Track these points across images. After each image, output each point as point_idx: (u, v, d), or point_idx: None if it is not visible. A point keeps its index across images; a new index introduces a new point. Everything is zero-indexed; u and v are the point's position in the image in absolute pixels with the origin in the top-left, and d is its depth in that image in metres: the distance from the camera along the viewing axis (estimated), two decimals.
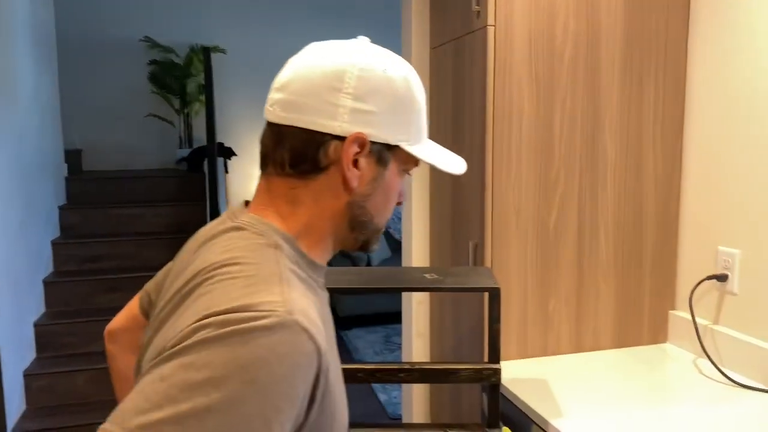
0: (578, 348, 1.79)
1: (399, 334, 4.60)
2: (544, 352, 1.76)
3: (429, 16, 2.14)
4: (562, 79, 1.69)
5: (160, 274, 0.95)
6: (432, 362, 1.38)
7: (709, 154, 1.71)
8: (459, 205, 1.90)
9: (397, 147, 0.76)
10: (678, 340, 1.80)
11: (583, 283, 1.76)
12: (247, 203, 0.81)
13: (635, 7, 1.72)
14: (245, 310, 0.59)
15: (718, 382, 1.56)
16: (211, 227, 0.79)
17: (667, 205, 1.81)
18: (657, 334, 1.84)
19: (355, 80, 0.72)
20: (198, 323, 0.59)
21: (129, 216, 3.99)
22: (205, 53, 4.05)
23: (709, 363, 1.64)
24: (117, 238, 3.81)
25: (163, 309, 0.71)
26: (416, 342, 2.30)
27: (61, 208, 3.89)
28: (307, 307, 0.64)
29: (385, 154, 0.76)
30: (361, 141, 0.73)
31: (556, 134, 1.69)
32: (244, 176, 5.36)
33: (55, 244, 3.69)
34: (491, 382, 1.33)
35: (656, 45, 1.75)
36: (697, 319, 1.70)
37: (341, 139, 0.72)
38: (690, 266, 1.79)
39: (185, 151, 4.84)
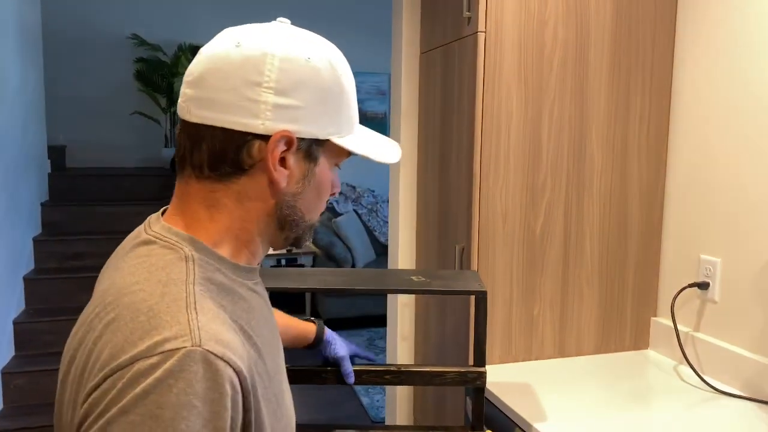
0: (562, 353, 1.80)
1: (382, 337, 4.61)
2: (528, 356, 1.77)
3: (419, 22, 2.16)
4: (551, 86, 1.71)
5: None
6: (418, 365, 1.39)
7: (693, 163, 1.74)
8: (446, 208, 1.92)
9: (327, 141, 0.71)
10: (659, 347, 1.83)
11: (567, 288, 1.78)
12: (165, 211, 0.75)
13: (623, 17, 1.74)
14: (151, 355, 0.56)
15: (698, 388, 1.58)
16: (127, 240, 0.75)
17: (651, 213, 1.83)
18: (639, 340, 1.87)
19: (276, 72, 0.66)
20: (107, 381, 0.56)
21: (112, 214, 3.95)
22: (193, 52, 4.03)
23: (690, 370, 1.66)
24: (99, 236, 3.77)
25: (78, 330, 0.66)
26: (401, 345, 2.30)
27: (43, 204, 3.84)
28: (219, 330, 0.60)
29: (315, 149, 0.71)
30: (288, 139, 0.67)
31: (544, 140, 1.71)
32: None
33: (36, 241, 3.64)
34: (476, 385, 1.34)
35: (643, 54, 1.78)
36: (679, 326, 1.73)
37: (265, 138, 0.66)
38: (672, 274, 1.81)
39: (169, 152, 4.81)
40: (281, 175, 0.69)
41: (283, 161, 0.69)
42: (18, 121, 3.45)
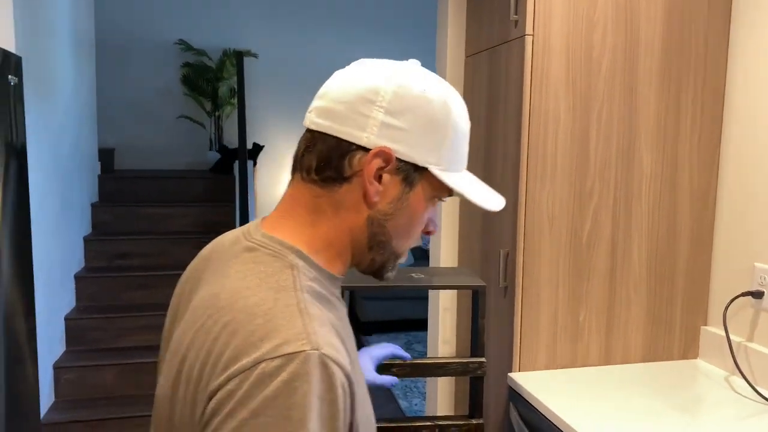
0: (607, 360, 1.77)
1: (421, 341, 4.60)
2: (574, 363, 1.75)
3: (465, 24, 2.16)
4: (599, 90, 1.69)
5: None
6: (423, 357, 1.43)
7: (747, 168, 1.69)
8: (490, 213, 1.91)
9: (426, 170, 0.73)
10: (710, 357, 1.78)
11: (614, 295, 1.76)
12: (263, 220, 0.79)
13: (675, 20, 1.71)
14: (274, 357, 0.59)
15: (751, 400, 1.54)
16: (223, 246, 0.78)
17: (702, 219, 1.79)
18: (688, 349, 1.82)
19: (390, 95, 0.70)
20: (231, 382, 0.59)
21: (158, 215, 4.06)
22: (237, 57, 4.12)
23: (742, 381, 1.61)
24: (145, 237, 3.87)
25: (186, 331, 0.69)
26: (442, 349, 2.30)
27: (93, 205, 3.97)
28: (328, 335, 0.64)
29: (413, 175, 0.73)
30: (385, 155, 0.70)
31: (591, 145, 1.69)
32: (273, 180, 5.42)
33: (86, 240, 3.77)
34: (477, 375, 1.40)
35: (695, 57, 1.74)
36: (731, 336, 1.68)
37: (367, 150, 0.70)
38: (724, 282, 1.77)
39: (214, 155, 4.91)
40: (374, 189, 0.71)
41: (379, 178, 0.72)
42: (72, 124, 3.58)
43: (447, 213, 2.24)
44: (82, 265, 3.74)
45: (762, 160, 1.64)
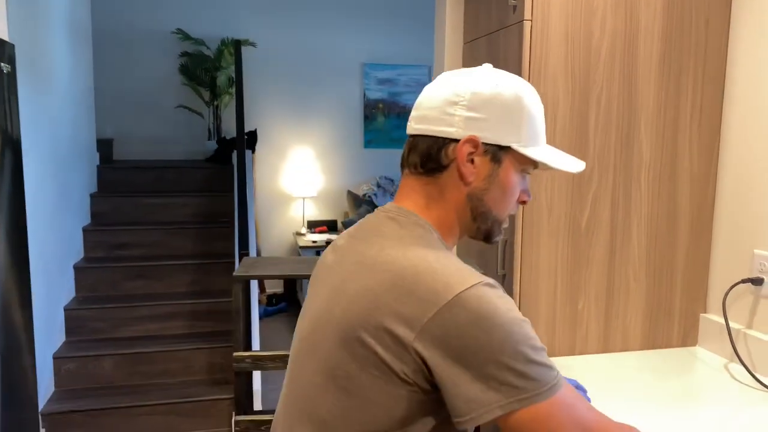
0: (606, 348, 1.77)
1: None
2: (572, 351, 1.75)
3: (463, 10, 2.14)
4: (599, 75, 1.67)
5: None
6: None
7: (748, 154, 1.67)
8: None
9: (510, 148, 0.90)
10: (709, 344, 1.77)
11: (613, 282, 1.75)
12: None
13: (675, 4, 1.69)
14: (469, 287, 0.77)
15: (750, 387, 1.53)
16: (366, 224, 0.94)
17: (701, 206, 1.78)
18: (687, 336, 1.82)
19: (469, 95, 0.89)
20: (439, 318, 0.75)
21: (157, 205, 4.05)
22: (236, 46, 4.09)
23: (742, 368, 1.61)
24: (145, 227, 3.87)
25: (337, 290, 0.85)
26: None
27: (92, 195, 3.96)
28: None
29: (499, 154, 0.90)
30: (473, 142, 0.88)
31: (591, 131, 1.68)
32: (272, 169, 5.41)
33: (85, 230, 3.76)
34: None
35: (696, 43, 1.72)
36: (730, 323, 1.67)
37: (457, 141, 0.88)
38: (723, 269, 1.76)
39: (213, 144, 4.89)
40: (469, 171, 0.89)
41: (471, 161, 0.89)
42: (69, 115, 3.56)
43: None
44: (81, 255, 3.73)
45: (763, 147, 1.63)
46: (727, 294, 1.64)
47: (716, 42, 1.74)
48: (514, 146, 0.90)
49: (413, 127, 0.93)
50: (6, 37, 2.23)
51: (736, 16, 1.72)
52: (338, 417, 0.81)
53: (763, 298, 1.62)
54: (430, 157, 0.90)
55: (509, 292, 1.72)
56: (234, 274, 1.36)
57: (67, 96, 3.53)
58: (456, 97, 0.89)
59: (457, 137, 0.88)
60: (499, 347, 0.74)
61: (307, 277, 1.37)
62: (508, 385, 0.74)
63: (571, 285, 1.72)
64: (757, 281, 1.61)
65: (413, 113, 0.94)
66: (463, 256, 2.15)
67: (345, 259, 0.90)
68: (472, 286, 0.77)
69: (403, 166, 0.95)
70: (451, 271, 0.79)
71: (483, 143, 0.88)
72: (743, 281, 1.64)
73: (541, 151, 0.93)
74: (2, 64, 1.91)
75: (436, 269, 0.79)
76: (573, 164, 0.96)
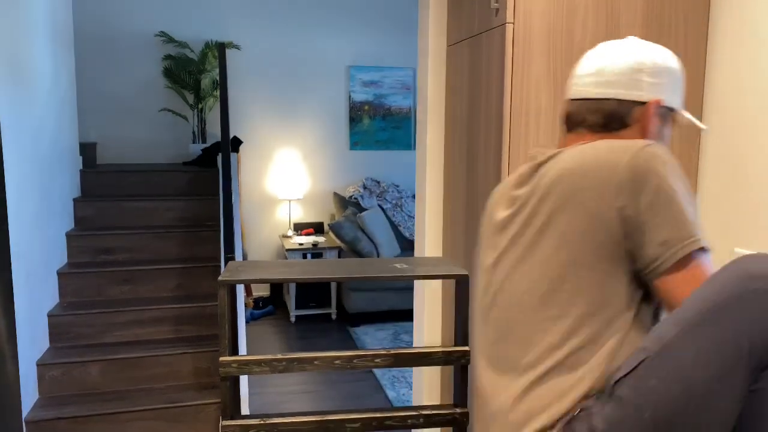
0: None
1: (408, 331, 4.61)
2: None
3: (446, 13, 2.15)
4: None
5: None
6: (406, 347, 1.43)
7: (727, 154, 1.70)
8: (474, 204, 1.91)
9: (673, 110, 1.06)
10: None
11: None
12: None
13: (655, 4, 1.71)
14: (640, 150, 0.91)
15: None
16: (525, 169, 1.06)
17: None
18: None
19: (650, 63, 1.02)
20: (635, 182, 0.90)
21: (142, 209, 4.02)
22: (219, 49, 4.07)
23: None
24: (130, 231, 3.83)
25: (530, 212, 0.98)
26: (428, 338, 2.30)
27: (75, 200, 3.92)
28: None
29: (667, 114, 1.05)
30: (658, 104, 1.02)
31: None
32: (257, 171, 5.39)
33: (69, 235, 3.72)
34: (462, 363, 1.40)
35: (675, 42, 1.75)
36: None
37: (643, 104, 1.02)
38: None
39: (197, 147, 4.87)
40: (654, 129, 1.03)
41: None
42: (51, 118, 3.52)
43: (431, 203, 2.24)
44: (65, 261, 3.69)
45: (742, 146, 1.65)
46: None
47: (695, 40, 1.76)
48: (676, 108, 1.06)
49: (593, 91, 1.04)
50: None
51: (715, 12, 1.75)
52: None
53: None
54: (614, 117, 1.02)
55: None
56: (219, 278, 1.36)
57: (48, 100, 3.49)
58: (640, 65, 1.02)
59: (645, 100, 1.02)
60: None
61: (293, 280, 1.37)
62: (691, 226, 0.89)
63: None
64: None
65: (591, 79, 1.05)
66: (450, 257, 2.16)
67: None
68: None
69: (575, 126, 1.06)
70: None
71: (661, 106, 1.03)
72: None
73: (687, 113, 1.10)
74: None
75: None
76: (703, 126, 1.15)
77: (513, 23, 1.63)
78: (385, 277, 1.40)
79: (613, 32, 1.69)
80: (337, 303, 4.96)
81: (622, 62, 1.02)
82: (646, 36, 1.72)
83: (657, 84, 1.02)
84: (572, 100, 1.07)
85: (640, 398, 0.82)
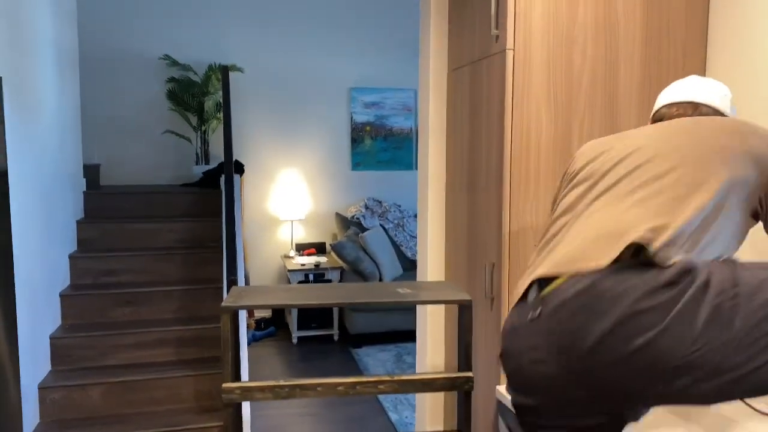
0: None
1: (411, 353, 4.59)
2: None
3: (447, 39, 2.17)
4: (581, 102, 1.70)
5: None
6: (410, 373, 1.42)
7: None
8: (475, 224, 1.92)
9: None
10: None
11: None
12: None
13: (653, 34, 1.74)
14: None
15: (734, 407, 1.54)
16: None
17: None
18: None
19: (730, 96, 1.31)
20: None
21: (144, 231, 4.03)
22: (223, 72, 4.11)
23: None
24: (132, 253, 3.84)
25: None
26: (431, 361, 2.30)
27: (78, 222, 3.94)
28: None
29: None
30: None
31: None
32: (260, 192, 5.41)
33: (72, 257, 3.73)
34: (465, 389, 1.39)
35: (674, 71, 1.77)
36: None
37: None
38: None
39: (200, 168, 4.90)
40: None
41: None
42: (55, 141, 3.55)
43: (433, 223, 2.25)
44: (68, 283, 3.70)
45: None
46: None
47: (694, 67, 1.78)
48: None
49: (699, 96, 1.29)
50: None
51: (712, 43, 1.77)
52: None
53: None
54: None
55: (498, 315, 1.73)
56: (222, 305, 1.36)
57: (53, 123, 3.53)
58: (727, 93, 1.31)
59: (727, 115, 1.29)
60: None
61: (296, 306, 1.37)
62: None
63: None
64: None
65: (693, 93, 1.30)
66: (451, 279, 2.17)
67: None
68: None
69: (680, 115, 1.28)
70: None
71: None
72: None
73: None
74: None
75: None
76: None
77: (513, 50, 1.65)
78: (388, 303, 1.40)
79: (613, 61, 1.71)
80: (339, 324, 4.95)
81: (717, 90, 1.29)
82: (645, 65, 1.74)
83: (730, 109, 1.31)
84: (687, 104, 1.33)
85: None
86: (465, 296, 1.40)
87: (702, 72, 1.80)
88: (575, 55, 1.69)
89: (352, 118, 5.57)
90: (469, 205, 1.97)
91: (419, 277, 2.40)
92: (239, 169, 4.97)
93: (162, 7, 5.06)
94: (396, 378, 1.38)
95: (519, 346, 1.09)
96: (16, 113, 2.85)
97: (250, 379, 3.91)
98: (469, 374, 1.39)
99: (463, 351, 1.41)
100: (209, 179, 4.68)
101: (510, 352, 1.11)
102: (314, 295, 1.43)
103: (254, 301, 1.38)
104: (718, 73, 1.75)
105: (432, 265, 2.26)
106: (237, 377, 1.62)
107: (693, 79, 1.32)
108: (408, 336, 4.78)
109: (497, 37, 1.71)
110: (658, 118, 1.32)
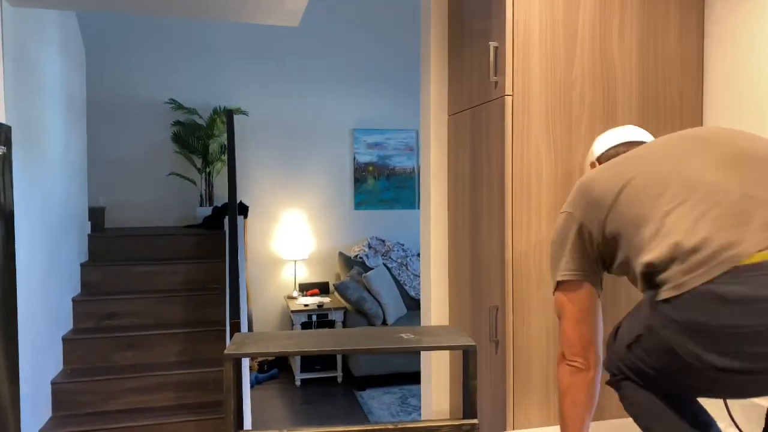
0: (600, 416, 1.75)
1: (415, 395, 4.52)
2: None
3: (447, 85, 2.22)
4: (581, 146, 1.72)
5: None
6: (414, 421, 1.41)
7: None
8: (478, 267, 1.92)
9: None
10: None
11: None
12: None
13: (650, 79, 1.77)
14: None
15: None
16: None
17: None
18: None
19: None
20: None
21: (148, 273, 4.04)
22: (228, 115, 4.18)
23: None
24: (135, 296, 3.84)
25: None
26: (435, 406, 2.26)
27: (82, 265, 3.95)
28: None
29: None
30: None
31: None
32: (263, 234, 5.42)
33: (75, 301, 3.73)
34: None
35: (671, 115, 1.79)
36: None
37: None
38: None
39: (205, 210, 4.93)
40: None
41: None
42: (61, 184, 3.59)
43: (436, 268, 2.25)
44: (70, 326, 3.68)
45: None
46: None
47: (691, 114, 1.81)
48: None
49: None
50: (3, 119, 2.29)
51: (708, 89, 1.80)
52: None
53: None
54: None
55: (502, 359, 1.72)
56: (225, 352, 1.36)
57: (59, 168, 3.57)
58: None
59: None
60: None
61: (299, 353, 1.37)
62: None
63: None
64: None
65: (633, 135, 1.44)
66: (455, 322, 2.16)
67: None
68: None
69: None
70: None
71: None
72: None
73: None
74: None
75: None
76: None
77: (512, 95, 1.68)
78: (392, 349, 1.39)
79: (611, 105, 1.74)
80: (343, 366, 4.90)
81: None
82: (642, 110, 1.77)
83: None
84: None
85: None
86: (469, 341, 1.39)
87: (699, 114, 1.82)
88: (574, 98, 1.72)
89: (354, 158, 5.62)
90: (471, 248, 1.97)
91: (423, 320, 2.38)
92: (243, 210, 4.99)
93: (168, 52, 5.17)
94: (400, 425, 1.37)
95: None
96: (24, 157, 2.89)
97: (253, 425, 3.85)
98: (474, 421, 1.37)
99: (468, 397, 1.39)
100: (212, 220, 4.71)
101: None
102: (318, 342, 1.43)
103: (257, 349, 1.38)
104: (714, 116, 1.77)
105: (435, 308, 2.26)
106: (240, 425, 1.60)
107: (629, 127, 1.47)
108: (412, 378, 4.72)
109: (496, 83, 1.75)
110: (610, 156, 1.41)
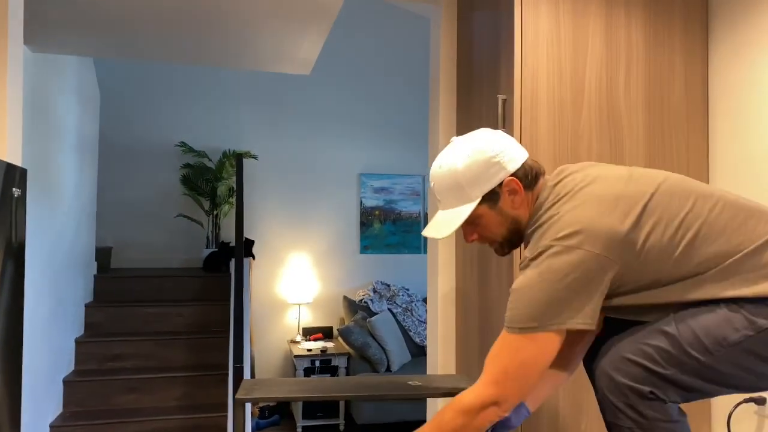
0: None
1: None
2: None
3: (456, 132, 2.25)
4: None
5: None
6: None
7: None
8: (487, 313, 1.91)
9: None
10: None
11: None
12: None
13: (656, 129, 1.80)
14: None
15: None
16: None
17: None
18: None
19: None
20: None
21: (152, 315, 4.02)
22: (237, 159, 4.23)
23: None
24: (139, 338, 3.81)
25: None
26: None
27: (87, 305, 3.94)
28: None
29: None
30: None
31: None
32: (269, 276, 5.42)
33: (78, 342, 3.70)
34: None
35: (678, 164, 1.81)
36: None
37: None
38: None
39: (210, 252, 4.94)
40: None
41: None
42: (71, 225, 3.62)
43: (444, 315, 2.24)
44: (72, 368, 3.65)
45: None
46: (730, 415, 1.62)
47: (697, 158, 1.83)
48: None
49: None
50: (19, 163, 2.33)
51: (713, 133, 1.83)
52: None
53: (766, 418, 1.60)
54: None
55: None
56: (236, 396, 1.35)
57: (71, 209, 3.61)
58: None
59: None
60: None
61: (303, 398, 1.36)
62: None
63: (573, 405, 1.69)
64: (759, 401, 1.60)
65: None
66: (462, 369, 2.13)
67: None
68: None
69: None
70: None
71: None
72: (746, 401, 1.62)
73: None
74: (14, 188, 1.98)
75: None
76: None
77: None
78: (400, 395, 1.38)
79: (618, 157, 1.77)
80: (345, 413, 4.81)
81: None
82: (649, 158, 1.79)
83: None
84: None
85: None
86: None
87: (705, 164, 1.84)
88: (581, 150, 1.75)
89: (361, 202, 5.66)
90: (480, 292, 1.97)
91: (429, 367, 2.36)
92: (249, 245, 5.00)
93: (180, 96, 5.29)
94: None
95: None
96: (37, 199, 2.93)
97: None
98: None
99: None
100: (216, 256, 4.72)
101: None
102: (323, 388, 1.42)
103: (268, 394, 1.37)
104: (720, 165, 1.79)
105: (442, 355, 2.23)
106: None
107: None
108: (417, 426, 4.62)
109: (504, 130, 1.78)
110: (532, 168, 1.26)
